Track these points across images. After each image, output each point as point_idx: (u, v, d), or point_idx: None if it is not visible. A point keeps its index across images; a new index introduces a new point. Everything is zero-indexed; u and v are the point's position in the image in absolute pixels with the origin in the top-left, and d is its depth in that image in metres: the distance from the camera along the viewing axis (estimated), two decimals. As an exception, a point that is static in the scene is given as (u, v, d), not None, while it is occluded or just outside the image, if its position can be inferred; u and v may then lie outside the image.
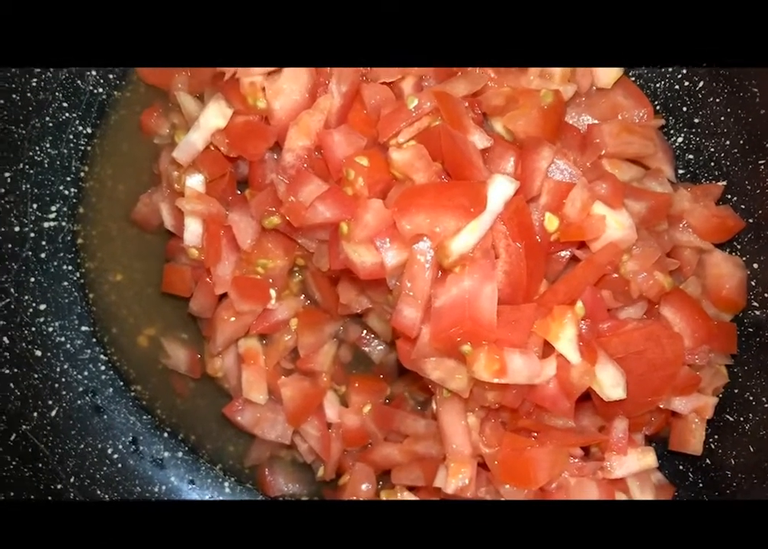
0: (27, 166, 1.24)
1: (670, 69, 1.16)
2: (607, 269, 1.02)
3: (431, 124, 1.02)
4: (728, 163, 1.12)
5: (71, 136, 1.28)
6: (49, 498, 1.21)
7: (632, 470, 1.09)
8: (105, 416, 1.32)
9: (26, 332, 1.27)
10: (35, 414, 1.25)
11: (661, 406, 1.10)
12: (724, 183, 1.13)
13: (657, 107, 1.19)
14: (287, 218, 1.07)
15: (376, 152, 1.03)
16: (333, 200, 1.03)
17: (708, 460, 1.14)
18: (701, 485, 1.14)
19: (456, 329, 0.99)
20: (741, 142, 1.09)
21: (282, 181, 1.06)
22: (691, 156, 1.17)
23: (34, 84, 1.20)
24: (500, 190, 0.97)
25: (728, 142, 1.11)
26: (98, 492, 1.28)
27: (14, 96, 1.18)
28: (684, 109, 1.16)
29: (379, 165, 1.02)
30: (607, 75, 1.12)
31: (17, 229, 1.25)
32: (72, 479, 1.26)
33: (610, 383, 1.01)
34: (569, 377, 1.00)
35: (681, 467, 1.18)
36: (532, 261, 1.00)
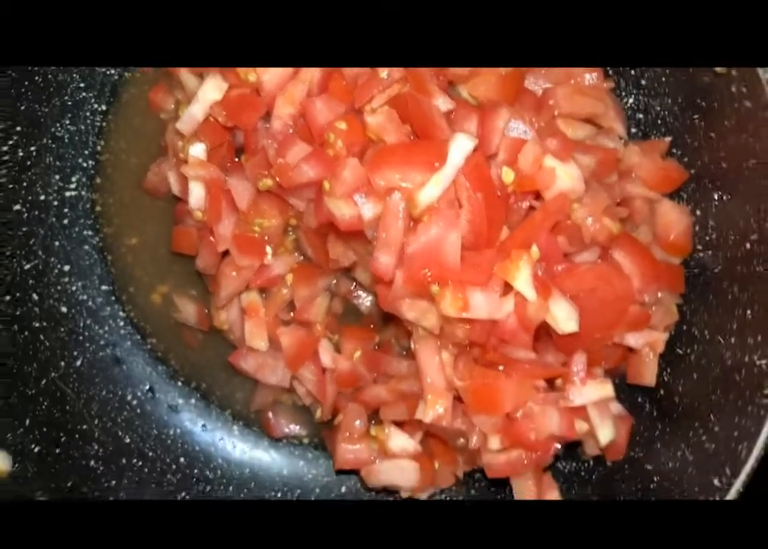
0: (50, 141, 1.38)
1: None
2: (559, 216, 1.14)
3: (401, 91, 1.15)
4: (671, 120, 1.23)
5: (88, 114, 1.42)
6: (77, 436, 1.37)
7: (591, 399, 1.21)
8: (124, 366, 1.46)
9: (52, 290, 1.41)
10: (62, 363, 1.40)
11: (616, 342, 1.22)
12: (670, 139, 1.25)
13: (609, 72, 1.30)
14: (277, 179, 1.21)
15: (353, 117, 1.16)
16: (316, 161, 1.16)
17: (661, 391, 1.26)
18: (655, 414, 1.26)
19: (425, 272, 1.12)
20: (680, 99, 1.21)
21: (272, 146, 1.20)
22: (641, 116, 1.29)
23: (54, 66, 1.34)
24: (460, 146, 1.09)
25: (669, 101, 1.23)
26: (119, 433, 1.42)
27: (36, 78, 1.32)
28: (632, 72, 1.28)
29: (356, 128, 1.15)
30: (563, 44, 1.24)
31: (42, 198, 1.39)
32: (95, 422, 1.40)
33: (564, 316, 1.13)
34: (526, 312, 1.12)
35: (639, 399, 1.30)
36: (492, 211, 1.12)
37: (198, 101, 1.26)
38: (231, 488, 1.44)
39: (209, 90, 1.24)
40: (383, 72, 1.14)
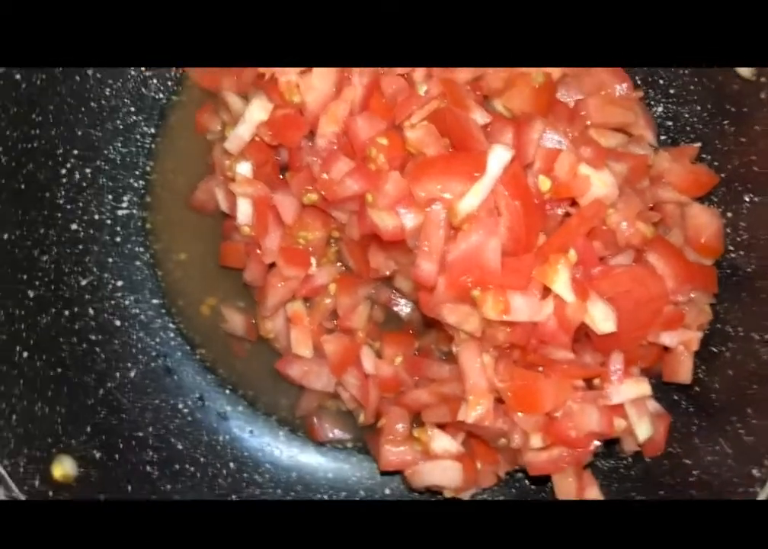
0: (103, 163, 1.45)
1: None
2: (594, 221, 1.19)
3: (439, 106, 1.21)
4: (701, 126, 1.28)
5: (138, 136, 1.49)
6: (133, 443, 1.43)
7: (628, 397, 1.25)
8: (175, 376, 1.52)
9: (106, 305, 1.48)
10: (117, 374, 1.46)
11: (652, 341, 1.27)
12: (699, 144, 1.29)
13: (638, 82, 1.35)
14: (322, 193, 1.27)
15: (393, 133, 1.22)
16: (359, 175, 1.22)
17: (697, 388, 1.30)
18: (692, 410, 1.30)
19: (467, 278, 1.17)
20: (709, 106, 1.25)
21: (316, 162, 1.26)
22: (670, 123, 1.34)
23: (107, 93, 1.41)
24: (498, 157, 1.15)
25: (698, 108, 1.27)
26: (172, 440, 1.48)
27: (91, 104, 1.40)
28: (661, 82, 1.33)
29: (397, 143, 1.21)
30: (592, 57, 1.29)
31: (96, 217, 1.46)
32: (150, 429, 1.46)
33: (601, 317, 1.18)
34: (565, 313, 1.17)
35: (675, 397, 1.34)
36: (530, 218, 1.18)
37: (245, 122, 1.32)
38: (279, 491, 1.49)
39: (255, 111, 1.31)
40: (422, 90, 1.20)
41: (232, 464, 1.49)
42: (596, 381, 1.28)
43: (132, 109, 1.46)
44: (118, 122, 1.45)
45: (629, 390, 1.25)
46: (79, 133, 1.39)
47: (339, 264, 1.45)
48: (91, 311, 1.46)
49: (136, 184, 1.50)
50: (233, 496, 1.46)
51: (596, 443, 1.28)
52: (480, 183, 1.14)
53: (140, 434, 1.45)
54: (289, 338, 1.45)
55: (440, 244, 1.17)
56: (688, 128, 1.31)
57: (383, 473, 1.46)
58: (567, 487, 1.32)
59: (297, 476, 1.51)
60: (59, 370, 1.35)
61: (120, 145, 1.47)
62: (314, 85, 1.27)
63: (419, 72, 1.25)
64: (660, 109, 1.35)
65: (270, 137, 1.33)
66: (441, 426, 1.37)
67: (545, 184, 1.18)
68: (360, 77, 1.23)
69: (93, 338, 1.45)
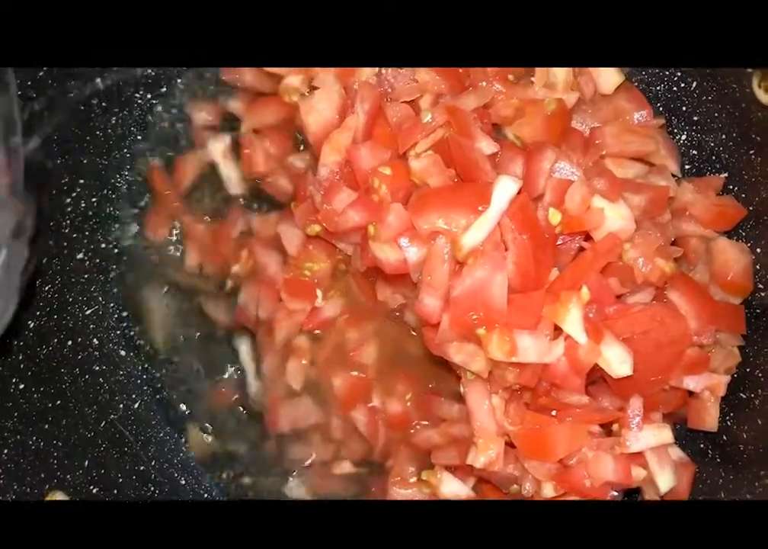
0: (110, 192, 1.44)
1: (668, 73, 1.25)
2: (609, 257, 1.11)
3: (444, 135, 1.16)
4: (727, 156, 1.20)
5: (144, 165, 1.47)
6: (134, 477, 1.40)
7: (648, 445, 1.17)
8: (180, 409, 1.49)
9: (112, 334, 1.46)
10: (121, 406, 1.44)
11: (674, 385, 1.18)
12: (725, 175, 1.21)
13: (660, 108, 1.28)
14: (324, 225, 1.23)
15: (397, 163, 1.17)
16: (361, 206, 1.17)
17: (724, 437, 1.20)
18: (718, 460, 1.21)
19: (472, 315, 1.11)
20: (734, 135, 1.17)
21: (318, 193, 1.22)
22: (695, 152, 1.25)
23: (113, 121, 1.40)
24: (504, 189, 1.08)
25: (724, 137, 1.19)
26: (175, 474, 1.45)
27: (98, 133, 1.39)
28: (684, 109, 1.25)
29: (401, 173, 1.16)
30: (609, 82, 1.22)
31: (102, 246, 1.45)
32: (153, 463, 1.44)
33: (617, 360, 1.10)
34: (577, 355, 1.10)
35: (702, 446, 1.24)
36: (539, 252, 1.11)
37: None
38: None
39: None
40: (426, 118, 1.15)
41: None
42: (615, 427, 1.20)
43: (139, 137, 1.44)
44: (125, 150, 1.44)
45: (649, 437, 1.17)
46: (85, 161, 1.38)
47: (347, 298, 1.40)
48: (95, 341, 1.43)
49: (142, 214, 1.48)
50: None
51: (614, 493, 1.19)
52: (485, 216, 1.08)
53: (141, 468, 1.42)
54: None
55: (444, 279, 1.11)
56: (714, 157, 1.22)
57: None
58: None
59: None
60: (58, 402, 1.33)
61: (126, 174, 1.45)
62: (315, 106, 1.23)
63: (425, 99, 1.20)
64: (683, 137, 1.27)
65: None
66: (451, 469, 1.31)
67: (555, 217, 1.11)
68: (361, 102, 1.18)
69: (96, 368, 1.43)
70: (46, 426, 1.29)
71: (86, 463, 1.33)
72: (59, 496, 1.25)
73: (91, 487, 1.31)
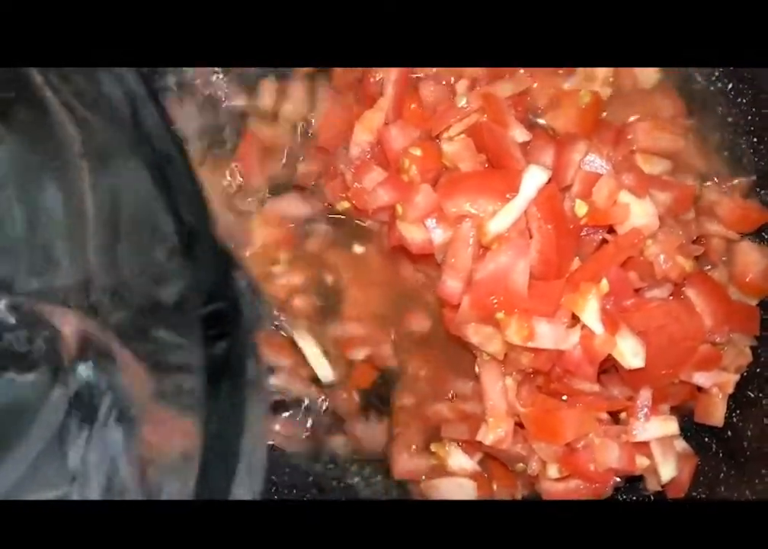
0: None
1: (705, 72, 1.26)
2: (631, 251, 1.14)
3: (479, 120, 1.18)
4: (757, 159, 1.21)
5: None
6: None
7: (654, 435, 1.20)
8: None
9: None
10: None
11: (684, 380, 1.21)
12: (753, 178, 1.22)
13: (696, 107, 1.28)
14: (353, 202, 1.26)
15: (428, 144, 1.19)
16: (391, 186, 1.20)
17: (729, 432, 1.23)
18: (721, 454, 1.24)
19: (492, 299, 1.14)
20: (766, 138, 1.18)
21: (348, 171, 1.25)
22: (726, 153, 1.26)
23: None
24: (533, 178, 1.11)
25: (755, 140, 1.20)
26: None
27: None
28: (719, 109, 1.26)
29: (431, 155, 1.18)
30: (648, 78, 1.23)
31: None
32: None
33: (630, 352, 1.13)
34: (592, 345, 1.13)
35: (706, 439, 1.27)
36: (563, 242, 1.13)
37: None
38: None
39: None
40: (461, 102, 1.17)
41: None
42: (623, 416, 1.24)
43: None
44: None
45: (656, 428, 1.20)
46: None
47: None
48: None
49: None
50: None
51: (617, 479, 1.23)
52: (512, 203, 1.11)
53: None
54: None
55: (468, 262, 1.14)
56: (744, 160, 1.23)
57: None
58: (582, 520, 1.28)
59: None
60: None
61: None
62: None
63: (462, 83, 1.21)
64: (716, 137, 1.27)
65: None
66: (460, 443, 1.35)
67: (581, 208, 1.13)
68: (389, 83, 1.20)
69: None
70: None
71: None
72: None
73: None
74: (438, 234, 1.16)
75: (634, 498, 1.32)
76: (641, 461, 1.21)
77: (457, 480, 1.34)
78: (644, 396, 1.20)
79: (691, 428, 1.29)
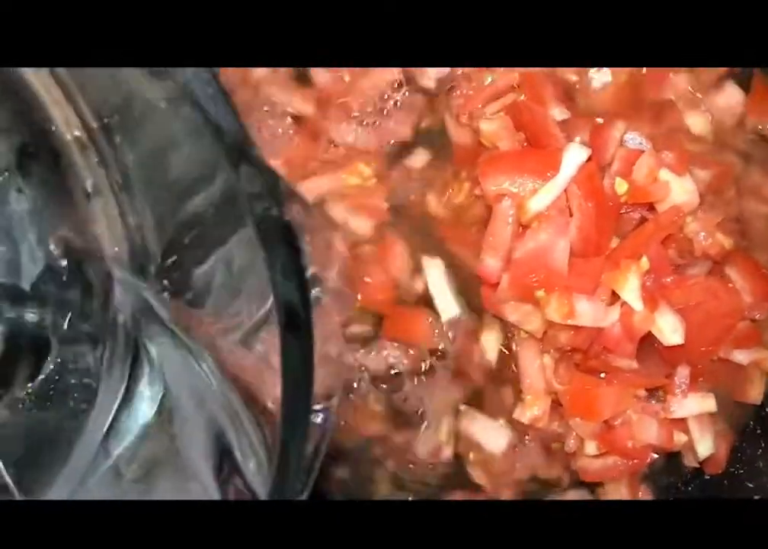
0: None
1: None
2: (671, 229, 1.14)
3: (516, 99, 1.18)
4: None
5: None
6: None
7: (692, 412, 1.21)
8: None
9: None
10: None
11: (722, 357, 1.21)
12: (796, 157, 1.22)
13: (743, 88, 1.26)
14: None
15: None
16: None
17: (767, 410, 1.24)
18: (759, 431, 1.25)
19: (532, 277, 1.15)
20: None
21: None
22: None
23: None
24: (573, 156, 1.11)
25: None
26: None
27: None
28: (767, 93, 1.24)
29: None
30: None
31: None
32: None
33: (669, 329, 1.13)
34: (632, 322, 1.13)
35: (744, 416, 1.28)
36: (603, 220, 1.14)
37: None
38: None
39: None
40: (487, 80, 1.17)
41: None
42: (661, 392, 1.25)
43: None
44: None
45: (694, 404, 1.21)
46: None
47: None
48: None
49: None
50: None
51: (654, 455, 1.24)
52: (553, 182, 1.11)
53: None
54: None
55: (507, 241, 1.15)
56: (787, 139, 1.23)
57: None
58: (619, 497, 1.29)
59: None
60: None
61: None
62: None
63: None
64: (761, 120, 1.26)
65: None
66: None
67: (621, 186, 1.13)
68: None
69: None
70: None
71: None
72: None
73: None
74: (478, 213, 1.17)
75: (672, 479, 1.33)
76: (679, 438, 1.22)
77: (495, 422, 1.30)
78: (683, 373, 1.20)
79: (728, 406, 1.29)
